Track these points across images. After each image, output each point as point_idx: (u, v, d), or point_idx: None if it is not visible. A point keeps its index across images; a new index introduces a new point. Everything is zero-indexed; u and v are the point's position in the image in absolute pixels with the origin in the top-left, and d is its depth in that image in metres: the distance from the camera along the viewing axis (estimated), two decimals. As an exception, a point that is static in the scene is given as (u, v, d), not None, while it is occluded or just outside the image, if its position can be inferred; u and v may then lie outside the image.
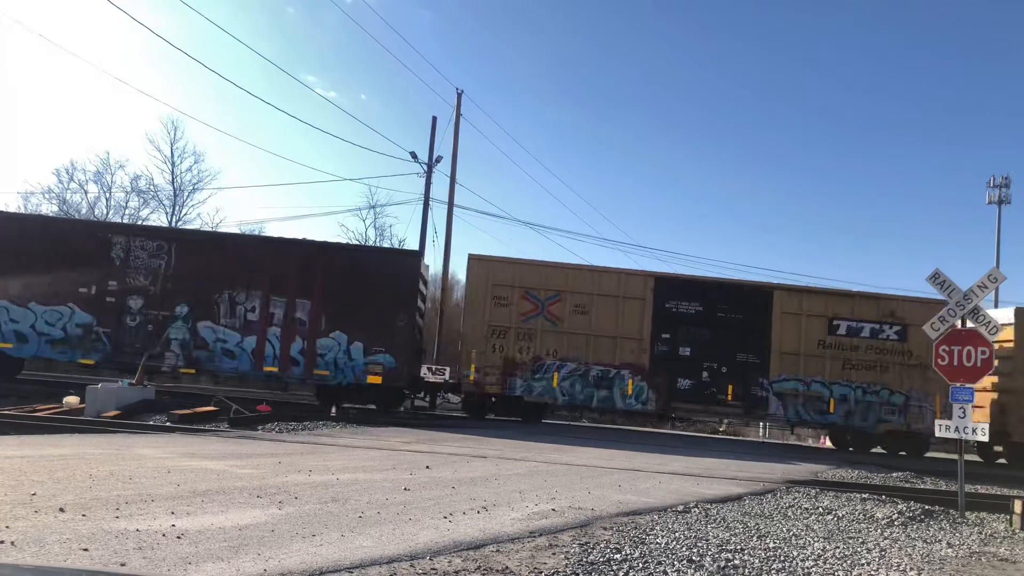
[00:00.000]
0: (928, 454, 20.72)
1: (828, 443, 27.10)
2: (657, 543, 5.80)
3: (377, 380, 19.02)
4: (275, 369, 19.24)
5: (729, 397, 19.69)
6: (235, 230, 34.97)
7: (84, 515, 5.11)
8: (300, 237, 21.61)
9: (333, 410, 17.89)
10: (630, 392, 19.63)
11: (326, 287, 19.23)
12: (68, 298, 19.02)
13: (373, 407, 19.61)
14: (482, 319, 19.78)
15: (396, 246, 43.92)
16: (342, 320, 19.14)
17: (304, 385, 21.95)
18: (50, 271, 19.01)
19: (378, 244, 44.20)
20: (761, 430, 33.55)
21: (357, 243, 20.97)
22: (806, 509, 8.65)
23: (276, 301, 19.19)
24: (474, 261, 20.27)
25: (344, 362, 19.09)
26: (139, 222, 43.33)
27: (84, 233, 20.13)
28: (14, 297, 18.95)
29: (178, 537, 4.67)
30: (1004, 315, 20.22)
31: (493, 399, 20.31)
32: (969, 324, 9.70)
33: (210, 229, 20.40)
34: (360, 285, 19.19)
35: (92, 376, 20.51)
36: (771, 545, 6.20)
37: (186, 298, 19.08)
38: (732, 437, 29.01)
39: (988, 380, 20.69)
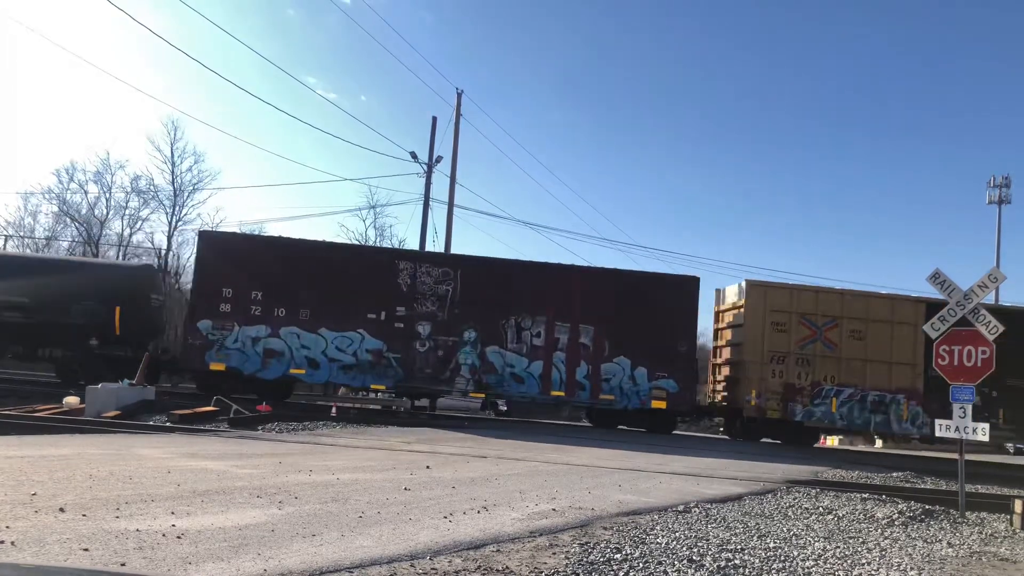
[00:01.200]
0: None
1: (828, 443, 27.08)
2: (657, 543, 5.80)
3: (661, 405, 19.44)
4: (562, 393, 19.64)
5: (1002, 421, 19.66)
6: (234, 229, 34.93)
7: (84, 515, 5.10)
8: (577, 264, 22.03)
9: (333, 410, 17.89)
10: (905, 417, 19.85)
11: (608, 312, 19.54)
12: (357, 324, 19.34)
13: (643, 430, 19.97)
14: (761, 345, 19.86)
15: (398, 247, 43.98)
16: (625, 345, 19.49)
17: (573, 408, 22.76)
18: (339, 297, 19.36)
19: (382, 242, 44.24)
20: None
21: (639, 270, 21.27)
22: (806, 509, 8.64)
23: (560, 327, 19.58)
24: (751, 287, 20.33)
25: (629, 387, 19.43)
26: (138, 221, 43.39)
27: (371, 259, 20.54)
28: (305, 323, 19.25)
29: (178, 537, 4.67)
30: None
31: (752, 422, 20.49)
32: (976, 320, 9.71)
33: (491, 256, 20.86)
34: (641, 310, 19.52)
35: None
36: (771, 545, 6.20)
37: (473, 324, 19.42)
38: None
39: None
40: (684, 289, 19.81)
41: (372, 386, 19.68)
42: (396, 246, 44.26)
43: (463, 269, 19.69)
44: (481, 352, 19.37)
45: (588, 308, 19.46)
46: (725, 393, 21.09)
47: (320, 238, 24.06)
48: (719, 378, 21.72)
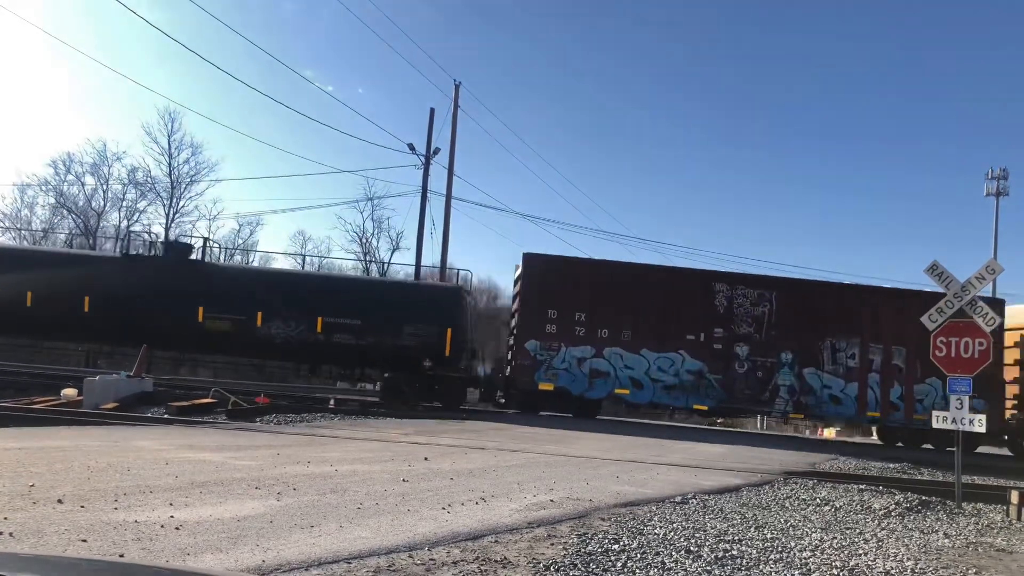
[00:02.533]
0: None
1: (825, 434, 27.17)
2: (655, 534, 5.81)
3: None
4: (877, 414, 20.02)
5: None
6: (233, 223, 34.84)
7: (82, 506, 5.11)
8: (886, 286, 22.44)
9: (331, 402, 17.91)
10: None
11: (920, 334, 19.50)
12: (677, 345, 19.76)
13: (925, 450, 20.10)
14: None
15: (395, 239, 43.95)
16: (936, 366, 19.64)
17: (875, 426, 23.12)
18: (659, 318, 19.82)
19: (380, 234, 44.15)
20: (759, 422, 33.59)
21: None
22: (803, 500, 8.67)
23: (873, 347, 19.91)
24: None
25: (941, 408, 19.70)
26: (136, 213, 43.27)
27: (688, 280, 20.72)
28: (627, 344, 19.66)
29: (176, 528, 4.67)
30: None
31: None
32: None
33: (804, 279, 21.60)
34: None
35: (90, 369, 20.52)
36: (769, 536, 6.22)
37: (790, 345, 19.76)
38: (730, 429, 29.05)
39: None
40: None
41: (694, 406, 20.16)
42: (395, 239, 44.29)
43: (778, 291, 20.18)
44: (799, 373, 19.85)
45: (900, 329, 19.64)
46: (1015, 412, 20.96)
47: (644, 261, 25.11)
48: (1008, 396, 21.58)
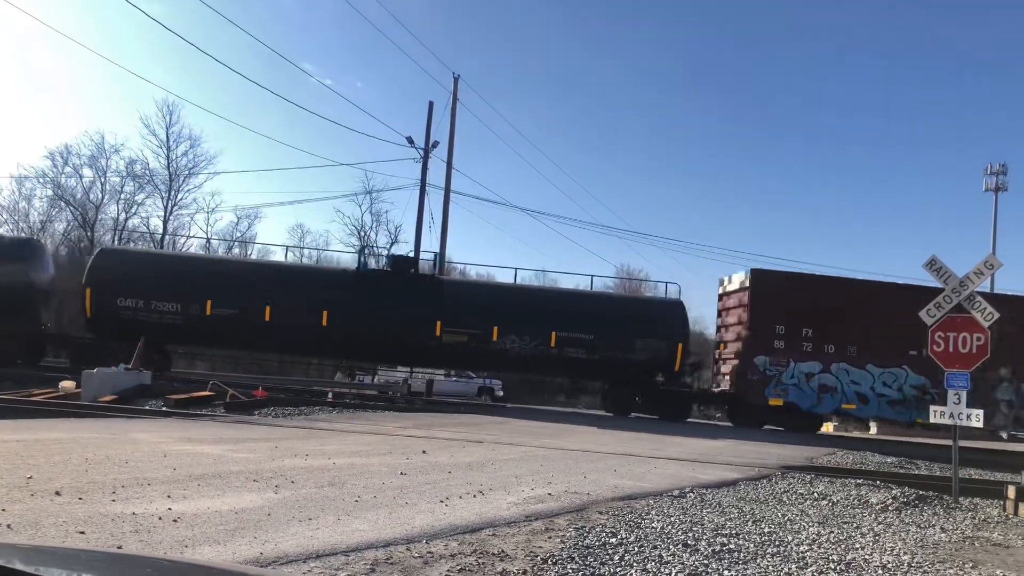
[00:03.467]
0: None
1: (824, 429, 27.23)
2: (653, 527, 5.82)
3: None
4: None
5: None
6: (232, 216, 34.79)
7: (80, 498, 5.11)
8: None
9: (329, 395, 17.92)
10: None
11: None
12: (900, 360, 19.96)
13: None
14: None
15: (393, 232, 43.91)
16: None
17: None
18: (881, 333, 19.93)
19: (378, 227, 44.07)
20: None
21: None
22: (801, 494, 8.69)
23: None
24: None
25: None
26: (134, 205, 43.18)
27: (907, 295, 20.47)
28: (852, 359, 19.94)
29: (175, 520, 4.67)
30: None
31: None
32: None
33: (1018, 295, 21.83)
34: None
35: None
36: (766, 530, 6.23)
37: (1010, 361, 19.81)
38: (729, 424, 29.08)
39: None
40: None
41: (918, 420, 20.35)
42: (394, 233, 44.25)
43: (997, 307, 20.13)
44: (1016, 388, 20.15)
45: None
46: None
47: (851, 276, 24.85)
48: None
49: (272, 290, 19.53)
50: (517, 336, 19.65)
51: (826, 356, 19.90)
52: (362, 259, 21.32)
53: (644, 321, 20.57)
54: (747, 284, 20.86)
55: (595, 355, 19.88)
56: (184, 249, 41.43)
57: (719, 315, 22.34)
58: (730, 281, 21.60)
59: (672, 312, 21.12)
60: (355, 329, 19.49)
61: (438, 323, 19.40)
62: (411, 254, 20.57)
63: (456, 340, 19.59)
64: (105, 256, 20.60)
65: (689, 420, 21.22)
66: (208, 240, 42.88)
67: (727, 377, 21.20)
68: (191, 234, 44.62)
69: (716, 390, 22.03)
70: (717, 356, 22.13)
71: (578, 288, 21.88)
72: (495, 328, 19.55)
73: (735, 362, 20.68)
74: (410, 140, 30.00)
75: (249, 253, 42.00)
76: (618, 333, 20.03)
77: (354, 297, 19.71)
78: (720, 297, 22.30)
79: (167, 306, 19.18)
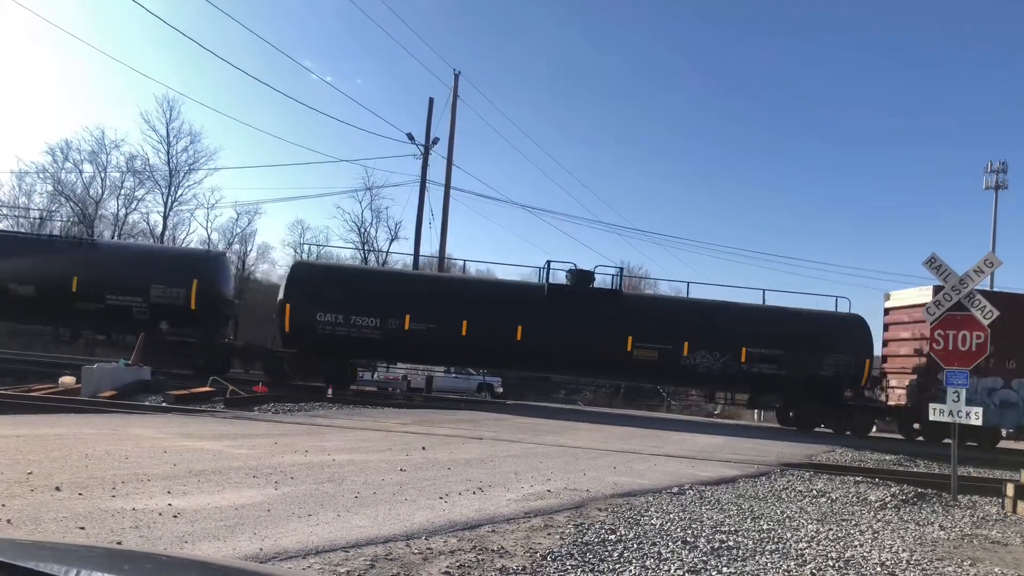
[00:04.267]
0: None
1: (823, 426, 27.18)
2: (652, 524, 5.83)
3: None
4: None
5: None
6: (232, 212, 34.81)
7: (80, 494, 5.11)
8: None
9: (329, 391, 17.92)
10: None
11: None
12: None
13: None
14: None
15: (393, 228, 43.93)
16: None
17: None
18: None
19: (378, 223, 44.05)
20: (756, 414, 33.64)
21: None
22: (800, 492, 8.69)
23: None
24: None
25: None
26: (134, 201, 43.17)
27: None
28: None
29: (174, 516, 4.68)
30: None
31: None
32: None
33: None
34: None
35: (88, 357, 20.52)
36: (765, 527, 6.24)
37: None
38: (728, 421, 29.08)
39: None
40: None
41: None
42: (394, 229, 44.23)
43: None
44: None
45: None
46: None
47: None
48: None
49: (468, 305, 19.98)
50: (708, 352, 19.89)
51: (1007, 372, 19.86)
52: (547, 274, 21.61)
53: (832, 337, 20.67)
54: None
55: (783, 371, 20.13)
56: (185, 244, 41.51)
57: (885, 329, 22.27)
58: (901, 296, 21.60)
59: (858, 327, 21.25)
60: (548, 344, 19.93)
61: (629, 338, 19.76)
62: (577, 268, 20.82)
63: (647, 356, 19.94)
64: (301, 270, 20.85)
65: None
66: (208, 236, 42.96)
67: (897, 391, 21.30)
68: (191, 230, 44.68)
69: (891, 404, 22.06)
70: (883, 370, 22.13)
71: (761, 304, 21.97)
72: (686, 344, 19.80)
73: (912, 377, 20.74)
74: (410, 136, 29.99)
75: (249, 249, 42.07)
76: (808, 349, 20.17)
77: (546, 312, 20.12)
78: (887, 311, 22.23)
79: (366, 321, 19.52)
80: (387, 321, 19.42)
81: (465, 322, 19.40)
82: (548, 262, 21.02)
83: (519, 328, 19.46)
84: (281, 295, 19.79)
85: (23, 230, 21.17)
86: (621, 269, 21.97)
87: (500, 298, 20.74)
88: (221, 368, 19.10)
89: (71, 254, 19.93)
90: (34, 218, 36.44)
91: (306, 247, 40.93)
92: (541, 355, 20.30)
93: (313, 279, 20.33)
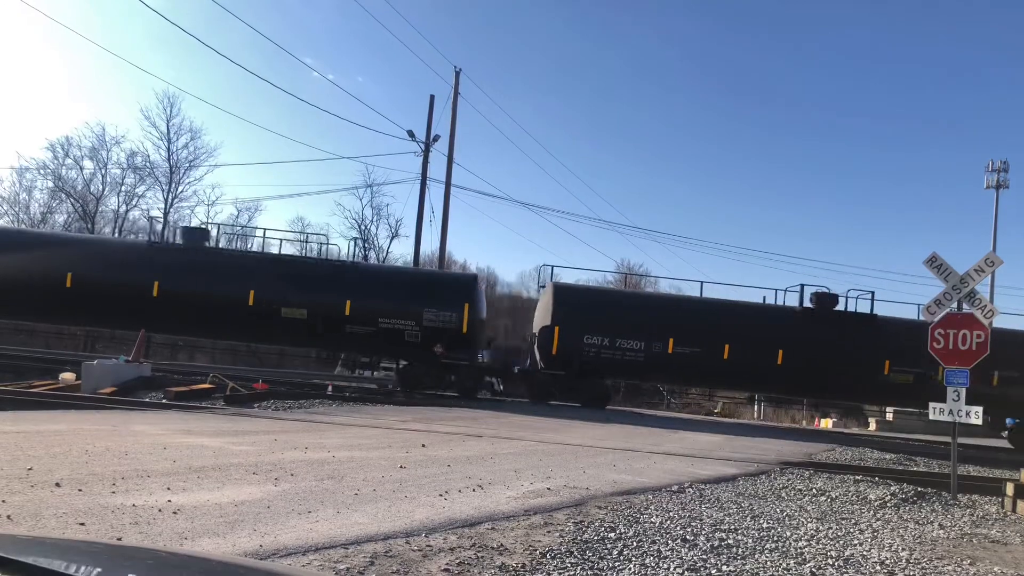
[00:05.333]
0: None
1: (823, 425, 27.23)
2: (651, 522, 5.83)
3: None
4: None
5: None
6: (232, 208, 34.79)
7: (80, 490, 5.11)
8: None
9: (329, 388, 17.93)
10: None
11: None
12: None
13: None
14: None
15: (394, 226, 43.89)
16: None
17: None
18: None
19: (379, 220, 43.98)
20: (756, 412, 33.68)
21: None
22: (800, 490, 8.69)
23: None
24: None
25: None
26: (134, 197, 43.14)
27: None
28: None
29: (174, 512, 4.68)
30: None
31: None
32: (966, 307, 9.73)
33: None
34: None
35: (88, 353, 20.53)
36: (764, 525, 6.24)
37: None
38: (727, 419, 29.10)
39: None
40: None
41: None
42: (394, 227, 44.22)
43: None
44: None
45: None
46: None
47: None
48: None
49: (729, 329, 20.40)
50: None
51: None
52: (800, 298, 21.94)
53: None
54: None
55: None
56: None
57: None
58: None
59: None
60: (805, 367, 20.35)
61: (887, 362, 20.25)
62: (827, 290, 21.47)
63: (902, 380, 20.35)
64: (566, 294, 21.21)
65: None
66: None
67: None
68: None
69: None
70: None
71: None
72: (941, 369, 20.06)
73: None
74: (411, 134, 29.97)
75: (249, 246, 41.92)
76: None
77: (801, 335, 20.59)
78: None
79: (630, 344, 20.02)
80: (651, 345, 20.03)
81: (727, 346, 19.93)
82: (802, 285, 21.60)
83: (780, 352, 20.02)
84: (549, 320, 20.28)
85: (298, 253, 21.48)
86: (872, 293, 22.00)
87: (759, 323, 21.23)
88: (476, 389, 19.88)
89: (343, 278, 20.17)
90: (34, 214, 36.39)
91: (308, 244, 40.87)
92: (798, 378, 20.90)
93: (580, 303, 20.95)
